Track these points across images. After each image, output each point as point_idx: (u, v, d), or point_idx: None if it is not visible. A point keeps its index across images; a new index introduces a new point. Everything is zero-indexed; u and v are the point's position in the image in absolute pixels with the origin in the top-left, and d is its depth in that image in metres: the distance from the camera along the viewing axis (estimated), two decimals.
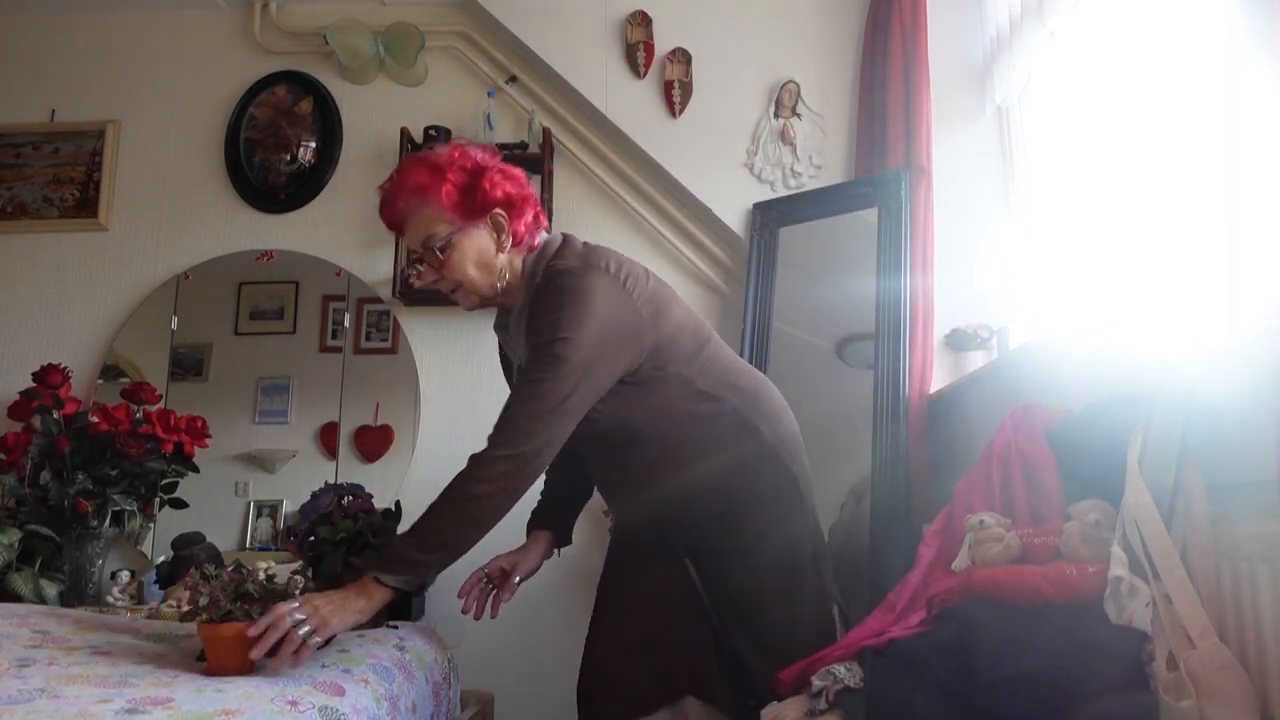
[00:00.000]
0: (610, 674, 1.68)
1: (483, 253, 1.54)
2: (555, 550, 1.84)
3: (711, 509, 1.61)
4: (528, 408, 1.48)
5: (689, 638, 1.67)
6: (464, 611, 1.67)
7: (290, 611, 1.36)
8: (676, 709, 1.64)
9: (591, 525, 2.84)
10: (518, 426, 1.50)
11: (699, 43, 3.00)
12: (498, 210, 1.54)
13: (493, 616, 1.73)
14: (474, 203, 1.52)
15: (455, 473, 3.16)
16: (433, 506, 1.51)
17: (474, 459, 1.53)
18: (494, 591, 1.77)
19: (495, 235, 1.55)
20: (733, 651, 1.67)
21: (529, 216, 1.58)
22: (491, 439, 1.53)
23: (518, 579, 1.75)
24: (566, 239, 1.62)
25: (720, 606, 1.68)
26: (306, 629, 1.37)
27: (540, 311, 1.50)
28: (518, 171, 1.60)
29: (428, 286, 1.58)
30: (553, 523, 1.81)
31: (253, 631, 1.36)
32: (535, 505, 1.83)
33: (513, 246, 1.58)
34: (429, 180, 1.51)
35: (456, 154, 1.54)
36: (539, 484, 1.83)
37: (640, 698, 1.63)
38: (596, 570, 2.86)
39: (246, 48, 3.32)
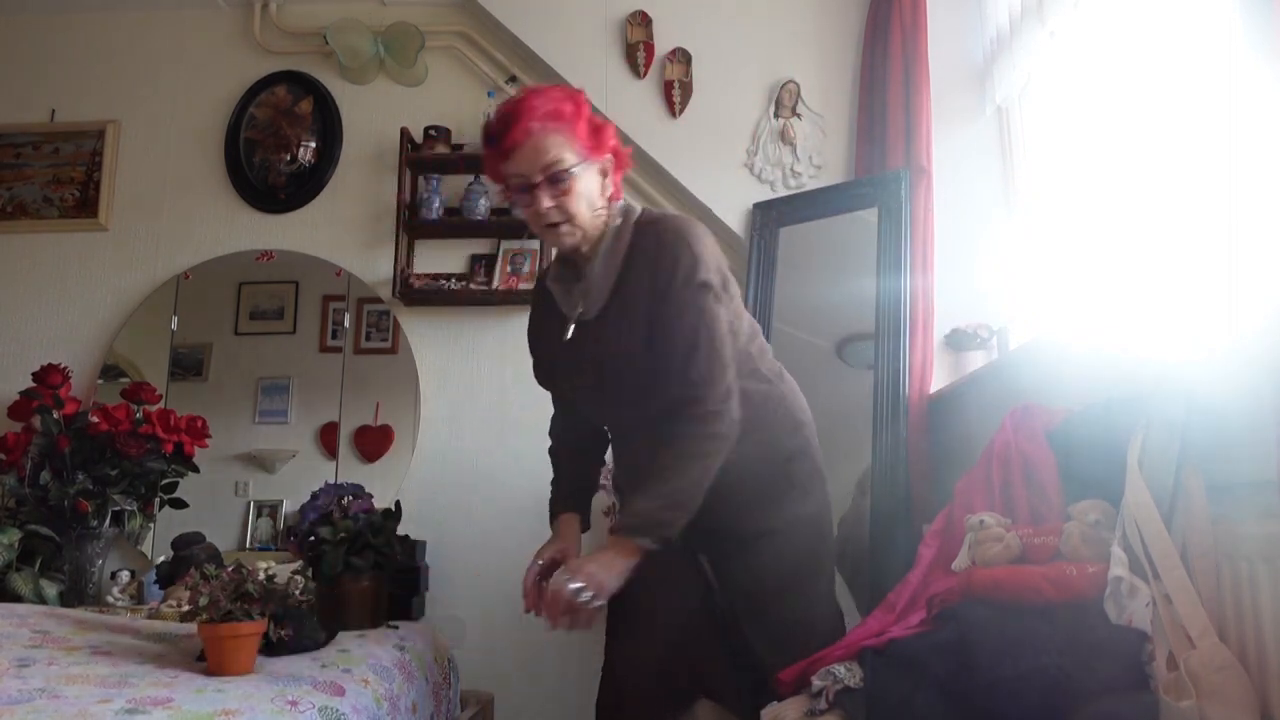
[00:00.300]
0: (632, 687, 1.65)
1: (594, 193, 1.54)
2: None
3: (751, 489, 1.59)
4: (711, 362, 1.47)
5: (702, 639, 1.66)
6: (527, 610, 1.61)
7: (567, 583, 1.42)
8: (690, 713, 1.63)
9: (592, 528, 2.84)
10: (715, 382, 1.47)
11: (699, 43, 3.00)
12: (609, 156, 1.56)
13: (587, 627, 1.52)
14: (597, 142, 1.53)
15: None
16: (667, 469, 1.47)
17: (696, 419, 1.47)
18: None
19: (602, 180, 1.56)
20: (743, 648, 1.65)
21: (621, 175, 1.62)
22: (698, 396, 1.47)
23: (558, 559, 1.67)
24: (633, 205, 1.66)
25: (735, 600, 1.66)
26: (589, 595, 1.43)
27: (664, 263, 1.50)
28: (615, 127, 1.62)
29: (538, 214, 1.51)
30: (577, 506, 1.74)
31: (542, 609, 1.47)
32: (551, 496, 1.78)
33: (610, 198, 1.58)
34: (570, 109, 1.51)
35: (583, 94, 1.56)
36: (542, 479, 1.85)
37: (660, 707, 1.63)
38: None
39: (246, 48, 3.32)
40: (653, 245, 1.53)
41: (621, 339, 1.52)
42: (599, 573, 1.43)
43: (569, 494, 1.75)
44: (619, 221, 1.57)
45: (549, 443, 1.82)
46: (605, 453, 1.81)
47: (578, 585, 1.41)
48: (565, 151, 1.48)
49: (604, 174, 1.56)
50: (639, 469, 1.58)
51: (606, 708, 1.68)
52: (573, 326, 1.59)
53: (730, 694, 1.64)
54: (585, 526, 1.75)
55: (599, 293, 1.55)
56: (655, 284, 1.50)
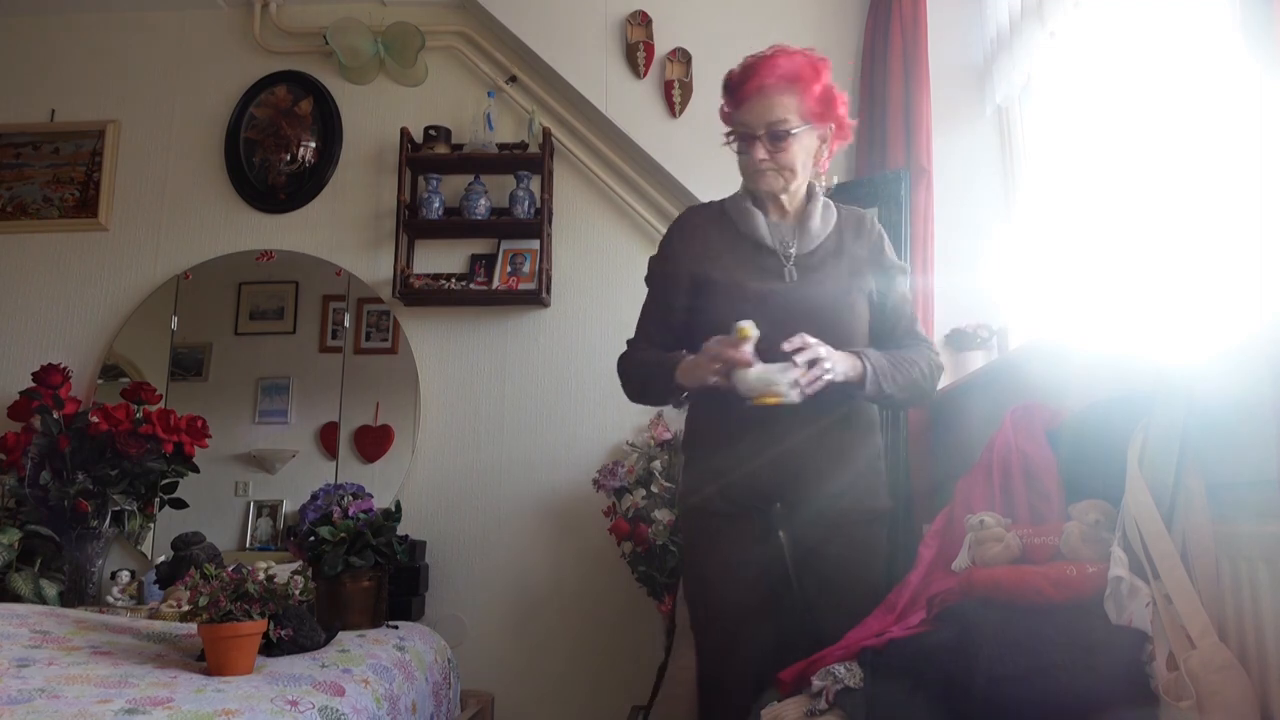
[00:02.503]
0: (728, 672, 1.65)
1: (809, 154, 1.67)
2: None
3: (864, 472, 1.68)
4: (918, 322, 1.79)
5: (780, 630, 1.65)
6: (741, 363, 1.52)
7: (818, 345, 1.51)
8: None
9: (589, 526, 2.84)
10: (934, 348, 1.75)
11: (699, 43, 3.00)
12: (832, 125, 1.67)
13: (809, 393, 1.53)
14: (826, 110, 1.65)
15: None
16: (907, 359, 1.66)
17: (931, 354, 1.72)
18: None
19: (820, 145, 1.68)
20: (809, 630, 1.62)
21: (839, 145, 1.72)
22: (931, 345, 1.75)
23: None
24: None
25: (808, 576, 1.64)
26: (828, 365, 1.52)
27: (885, 242, 1.76)
28: (847, 98, 1.71)
29: (753, 163, 1.64)
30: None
31: (789, 346, 1.50)
32: (659, 365, 1.69)
33: (824, 160, 1.71)
34: (806, 73, 1.62)
35: (824, 62, 1.66)
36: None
37: (750, 693, 1.60)
38: (595, 573, 2.88)
39: (246, 48, 3.32)
40: (860, 223, 1.76)
41: (840, 280, 1.67)
42: (835, 356, 1.54)
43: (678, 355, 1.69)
44: (824, 196, 1.74)
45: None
46: None
47: (824, 353, 1.51)
48: (791, 112, 1.61)
49: (823, 140, 1.68)
50: (764, 417, 1.57)
51: (710, 701, 1.69)
52: (791, 255, 1.68)
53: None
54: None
55: (815, 236, 1.70)
56: (873, 255, 1.72)
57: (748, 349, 1.51)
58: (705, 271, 1.69)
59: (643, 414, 2.86)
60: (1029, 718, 1.06)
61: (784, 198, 1.70)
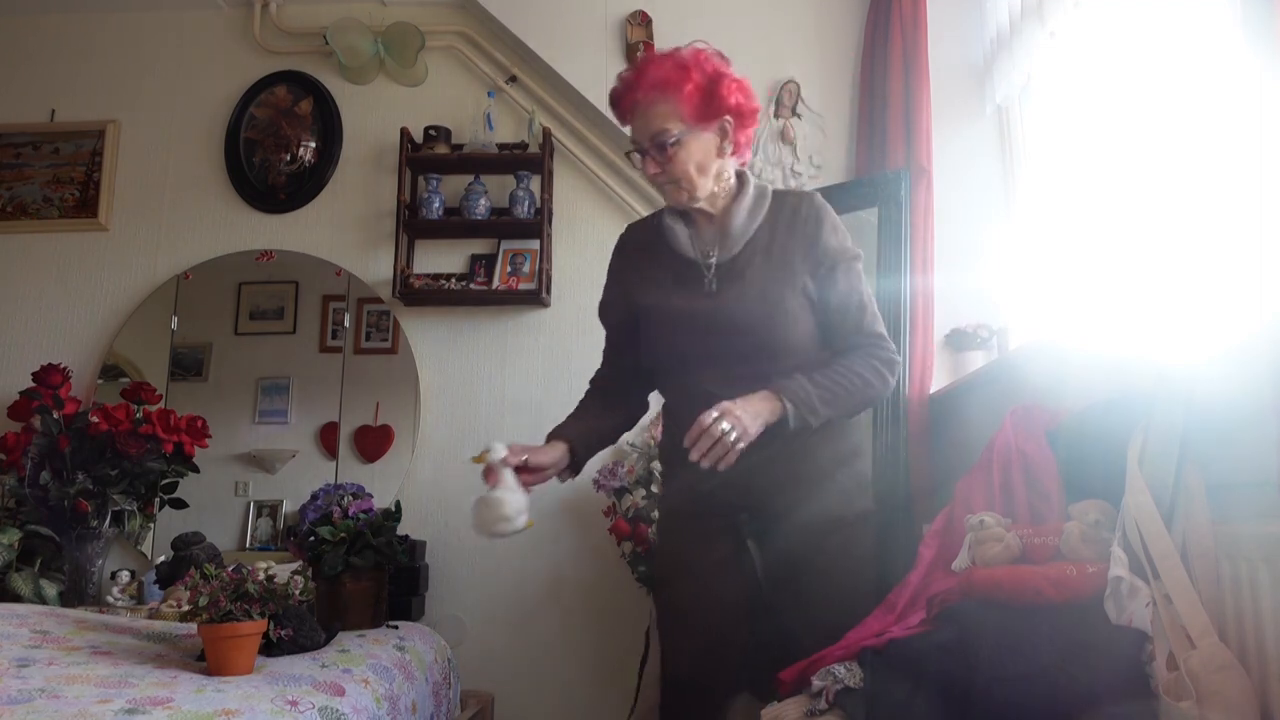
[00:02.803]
0: (689, 679, 1.64)
1: (705, 155, 1.58)
2: (568, 472, 1.66)
3: (832, 477, 1.61)
4: (878, 320, 1.63)
5: (749, 631, 1.63)
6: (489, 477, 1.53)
7: (716, 420, 1.43)
8: (731, 706, 1.63)
9: (589, 526, 2.84)
10: (888, 337, 1.62)
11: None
12: (727, 117, 1.58)
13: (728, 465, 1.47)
14: (709, 107, 1.56)
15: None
16: (840, 371, 1.55)
17: (878, 351, 1.59)
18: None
19: (719, 141, 1.59)
20: (779, 636, 1.60)
21: (751, 129, 1.64)
22: (876, 343, 1.60)
23: (524, 457, 1.56)
24: None
25: (781, 586, 1.60)
26: (735, 435, 1.44)
27: (824, 229, 1.61)
28: (748, 83, 1.62)
29: (648, 179, 1.62)
30: (575, 438, 1.66)
31: (687, 440, 1.44)
32: (563, 423, 1.70)
33: (731, 154, 1.62)
34: (674, 77, 1.55)
35: (701, 56, 1.58)
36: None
37: (716, 698, 1.62)
38: (596, 572, 2.88)
39: (246, 48, 3.32)
40: (795, 210, 1.63)
41: (768, 283, 1.57)
42: (744, 416, 1.45)
43: (574, 428, 1.69)
44: (755, 188, 1.65)
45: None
46: (637, 418, 1.79)
47: (726, 426, 1.43)
48: (669, 121, 1.54)
49: (723, 134, 1.59)
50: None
51: (670, 701, 1.68)
52: (712, 264, 1.61)
53: (766, 686, 1.62)
54: (572, 468, 1.65)
55: (738, 237, 1.60)
56: (808, 246, 1.59)
57: (506, 476, 1.49)
58: (640, 298, 1.65)
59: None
60: (1029, 718, 1.06)
61: (703, 205, 1.61)
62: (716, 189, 1.61)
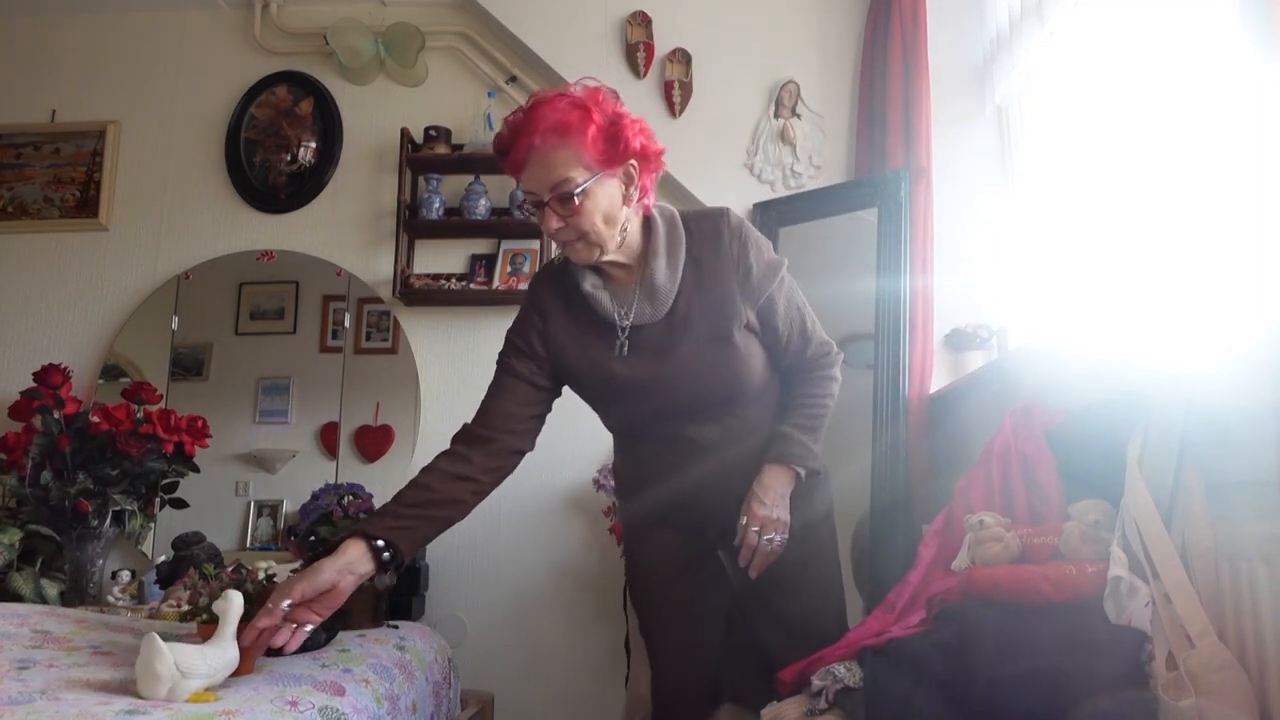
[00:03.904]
0: (675, 687, 1.64)
1: (612, 204, 1.43)
2: (385, 570, 1.42)
3: (809, 481, 1.58)
4: (816, 324, 1.59)
5: (726, 641, 1.65)
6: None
7: (762, 538, 1.44)
8: (714, 716, 1.63)
9: (589, 525, 2.85)
10: (827, 339, 1.60)
11: (699, 43, 3.00)
12: (632, 161, 1.44)
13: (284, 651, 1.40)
14: (612, 151, 1.41)
15: None
16: (809, 405, 1.55)
17: (826, 363, 1.59)
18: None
19: (624, 188, 1.45)
20: (753, 642, 1.62)
21: (655, 174, 1.50)
22: (823, 351, 1.59)
23: (284, 605, 1.36)
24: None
25: (757, 594, 1.60)
26: (779, 539, 1.46)
27: (750, 252, 1.49)
28: (646, 122, 1.48)
29: (548, 233, 1.44)
30: (381, 528, 1.42)
31: (741, 561, 1.46)
32: (384, 505, 1.49)
33: (637, 201, 1.47)
34: (575, 120, 1.38)
35: (599, 95, 1.43)
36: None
37: (701, 707, 1.62)
38: (596, 571, 2.88)
39: (246, 48, 3.32)
40: (716, 238, 1.50)
41: (713, 330, 1.48)
42: (775, 513, 1.47)
43: (393, 513, 1.44)
44: (665, 225, 1.51)
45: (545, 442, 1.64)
46: (513, 466, 1.58)
47: (770, 535, 1.45)
48: (572, 168, 1.38)
49: (628, 179, 1.45)
50: (695, 449, 1.53)
51: (663, 714, 1.67)
52: (628, 329, 1.50)
53: (748, 695, 1.63)
54: (391, 559, 1.41)
55: (665, 295, 1.48)
56: (738, 278, 1.49)
57: (254, 625, 1.36)
58: (577, 369, 1.53)
59: None
60: (1028, 717, 1.06)
61: (615, 257, 1.47)
62: (622, 239, 1.47)
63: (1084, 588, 1.15)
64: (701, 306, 1.48)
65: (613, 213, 1.43)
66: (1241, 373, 1.08)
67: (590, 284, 1.51)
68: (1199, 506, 1.08)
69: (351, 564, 1.38)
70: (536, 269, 3.01)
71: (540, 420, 1.59)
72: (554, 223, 1.41)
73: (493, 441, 1.52)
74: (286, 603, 1.35)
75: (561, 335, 1.54)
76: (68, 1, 3.33)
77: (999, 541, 1.29)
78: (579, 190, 1.38)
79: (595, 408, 1.61)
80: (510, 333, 1.59)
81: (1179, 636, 1.00)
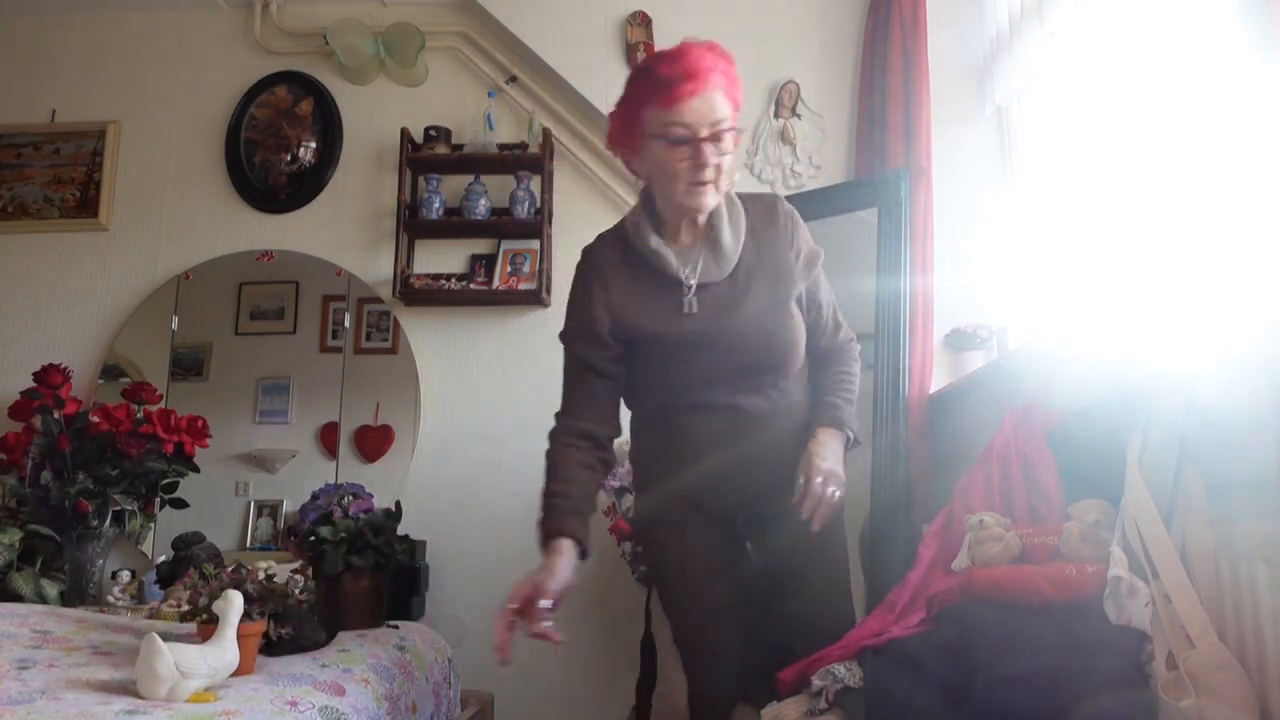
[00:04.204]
0: (709, 684, 1.63)
1: (736, 156, 1.54)
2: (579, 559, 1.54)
3: None
4: (839, 310, 1.67)
5: (748, 641, 1.64)
6: (503, 664, 1.49)
7: (826, 488, 1.43)
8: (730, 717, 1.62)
9: (591, 528, 2.84)
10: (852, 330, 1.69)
11: None
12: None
13: (555, 645, 1.51)
14: (738, 105, 1.51)
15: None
16: (848, 380, 1.63)
17: (857, 353, 1.69)
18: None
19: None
20: (772, 640, 1.61)
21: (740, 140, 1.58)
22: (850, 336, 1.68)
23: (547, 603, 1.50)
24: None
25: (779, 588, 1.60)
26: (840, 493, 1.45)
27: (800, 233, 1.59)
28: None
29: (697, 171, 1.45)
30: (579, 529, 1.55)
31: (807, 510, 1.42)
32: (548, 506, 1.55)
33: None
34: (724, 65, 1.48)
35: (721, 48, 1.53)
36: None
37: (724, 708, 1.62)
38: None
39: (246, 48, 3.32)
40: (772, 215, 1.58)
41: (773, 298, 1.53)
42: (838, 469, 1.48)
43: (574, 510, 1.53)
44: (725, 195, 1.55)
45: (546, 441, 1.62)
46: (612, 464, 1.63)
47: (833, 489, 1.44)
48: (727, 111, 1.45)
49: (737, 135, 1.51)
50: (738, 432, 1.54)
51: (698, 706, 1.67)
52: (694, 286, 1.52)
53: (763, 695, 1.62)
54: (584, 554, 1.54)
55: (730, 256, 1.53)
56: (792, 255, 1.56)
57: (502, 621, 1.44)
58: (637, 324, 1.52)
59: None
60: (1028, 717, 1.06)
61: (713, 204, 1.51)
62: (729, 188, 1.54)
63: (1084, 588, 1.15)
64: (762, 272, 1.54)
65: (734, 161, 1.51)
66: (1241, 373, 1.08)
67: (655, 242, 1.55)
68: (1199, 506, 1.08)
69: (572, 563, 1.53)
70: (536, 269, 3.00)
71: (620, 405, 1.63)
72: (712, 158, 1.44)
73: (596, 437, 1.56)
74: (549, 603, 1.49)
75: (625, 299, 1.55)
76: (68, 1, 3.33)
77: (999, 541, 1.29)
78: (735, 131, 1.46)
79: (648, 376, 1.57)
80: (572, 317, 1.59)
81: (1179, 636, 1.00)
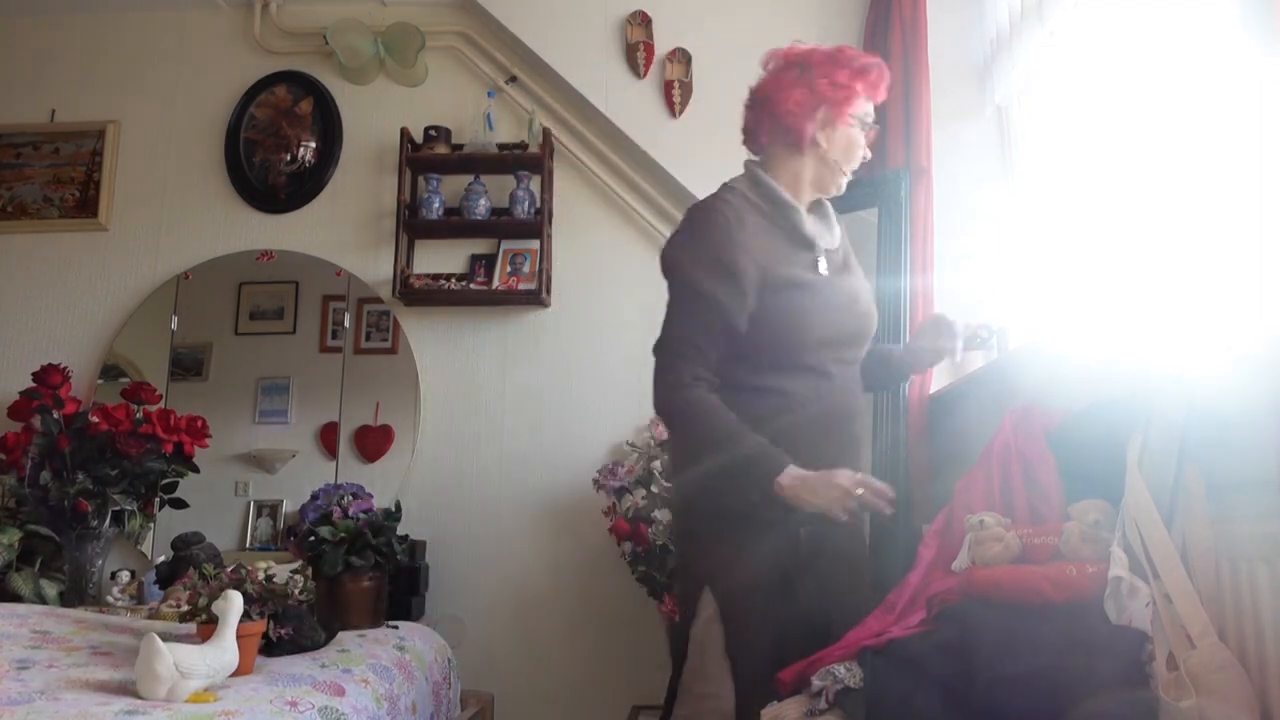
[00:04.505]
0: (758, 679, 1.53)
1: None
2: None
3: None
4: None
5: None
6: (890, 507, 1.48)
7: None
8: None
9: (589, 526, 2.84)
10: None
11: (699, 43, 3.00)
12: None
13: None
14: None
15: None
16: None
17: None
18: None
19: None
20: (825, 632, 1.53)
21: None
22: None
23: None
24: None
25: (824, 581, 1.55)
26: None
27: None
28: None
29: (862, 150, 1.70)
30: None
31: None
32: (755, 440, 1.48)
33: None
34: None
35: None
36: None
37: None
38: (595, 573, 2.87)
39: (246, 48, 3.32)
40: (828, 207, 1.77)
41: (861, 274, 1.74)
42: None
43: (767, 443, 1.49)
44: None
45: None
46: None
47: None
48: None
49: None
50: (832, 412, 1.59)
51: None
52: (823, 249, 1.65)
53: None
54: None
55: (837, 231, 1.72)
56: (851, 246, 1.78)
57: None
58: (781, 272, 1.54)
59: (643, 414, 2.86)
60: (1029, 717, 1.06)
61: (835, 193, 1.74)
62: None
63: (1084, 588, 1.15)
64: (852, 251, 1.75)
65: None
66: (1242, 373, 1.08)
67: (795, 203, 1.66)
68: (1199, 506, 1.08)
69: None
70: (536, 269, 3.00)
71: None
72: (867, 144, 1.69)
73: (711, 384, 1.53)
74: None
75: (763, 246, 1.56)
76: (68, 1, 3.33)
77: (999, 541, 1.29)
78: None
79: (771, 333, 1.54)
80: (706, 257, 1.54)
81: (1179, 637, 1.00)
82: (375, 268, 3.13)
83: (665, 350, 1.55)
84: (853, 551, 1.65)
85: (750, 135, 1.76)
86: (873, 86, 1.65)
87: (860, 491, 1.44)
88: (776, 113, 1.65)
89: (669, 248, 1.62)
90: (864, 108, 1.65)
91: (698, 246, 1.55)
